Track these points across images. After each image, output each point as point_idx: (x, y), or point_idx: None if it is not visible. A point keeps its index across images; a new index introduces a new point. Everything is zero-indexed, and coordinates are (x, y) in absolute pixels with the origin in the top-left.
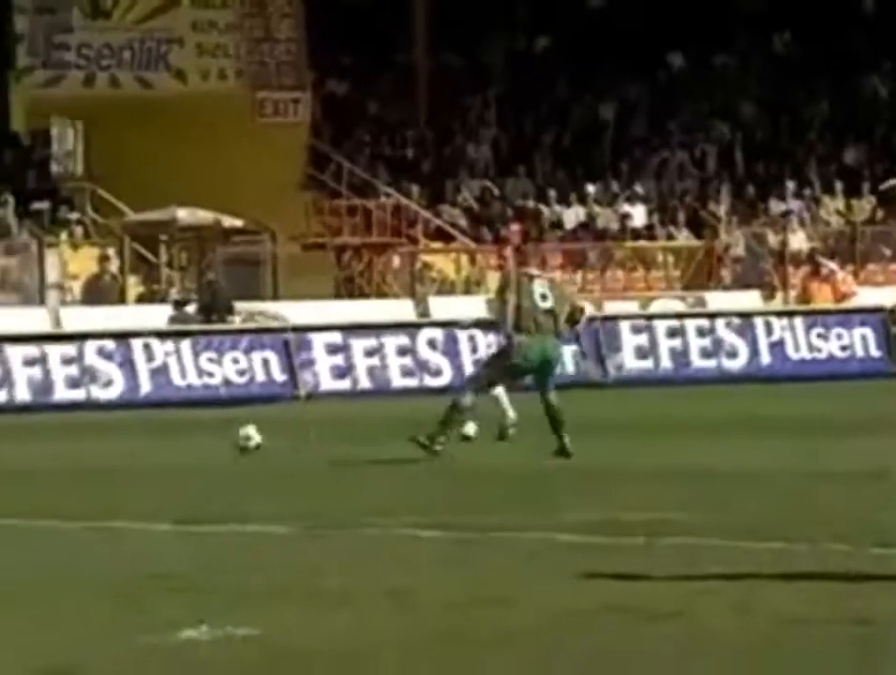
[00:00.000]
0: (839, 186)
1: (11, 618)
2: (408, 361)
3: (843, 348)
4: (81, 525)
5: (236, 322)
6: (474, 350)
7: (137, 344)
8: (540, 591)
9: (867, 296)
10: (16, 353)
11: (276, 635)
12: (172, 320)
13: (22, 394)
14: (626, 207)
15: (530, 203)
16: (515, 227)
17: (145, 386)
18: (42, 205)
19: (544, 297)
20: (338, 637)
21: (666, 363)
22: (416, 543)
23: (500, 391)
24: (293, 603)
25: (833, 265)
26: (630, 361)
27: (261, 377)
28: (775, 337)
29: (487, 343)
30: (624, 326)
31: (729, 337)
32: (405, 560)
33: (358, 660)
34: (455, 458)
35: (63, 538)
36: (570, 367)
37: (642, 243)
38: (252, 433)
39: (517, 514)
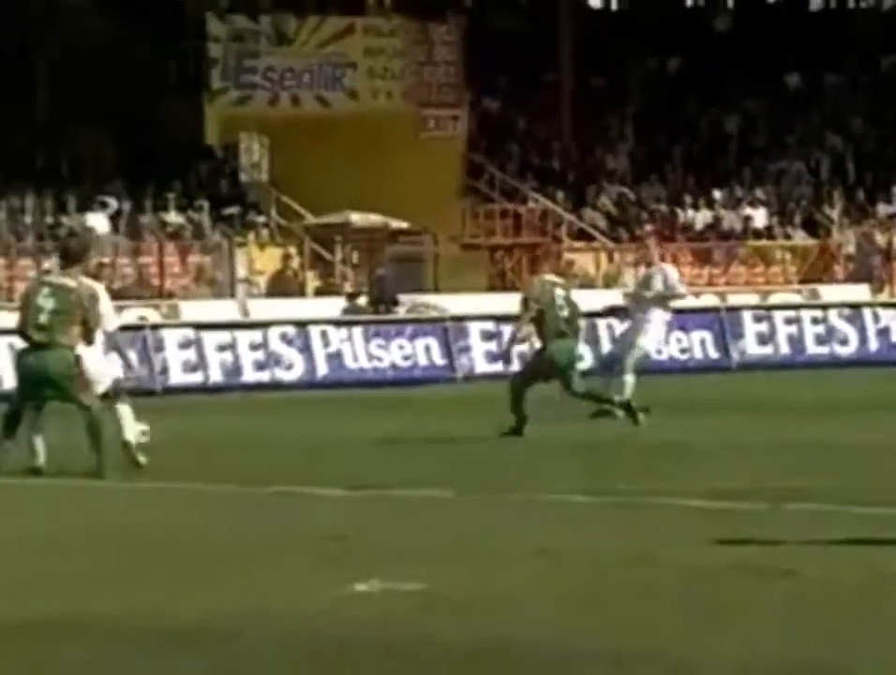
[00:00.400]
0: None
1: (214, 570)
2: None
3: None
4: (271, 490)
5: (402, 312)
6: (612, 338)
7: (315, 331)
8: (674, 551)
9: None
10: (210, 340)
11: (438, 589)
12: (346, 310)
13: (216, 375)
14: (748, 210)
15: (663, 207)
16: (648, 228)
17: (322, 369)
18: (233, 210)
19: (560, 307)
20: (493, 592)
21: (784, 348)
22: (562, 507)
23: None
24: (453, 560)
25: None
26: (751, 347)
27: (423, 361)
28: (882, 326)
29: (622, 330)
30: (746, 316)
31: (841, 326)
32: (552, 522)
33: (511, 612)
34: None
35: (255, 502)
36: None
37: (763, 242)
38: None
39: (654, 482)
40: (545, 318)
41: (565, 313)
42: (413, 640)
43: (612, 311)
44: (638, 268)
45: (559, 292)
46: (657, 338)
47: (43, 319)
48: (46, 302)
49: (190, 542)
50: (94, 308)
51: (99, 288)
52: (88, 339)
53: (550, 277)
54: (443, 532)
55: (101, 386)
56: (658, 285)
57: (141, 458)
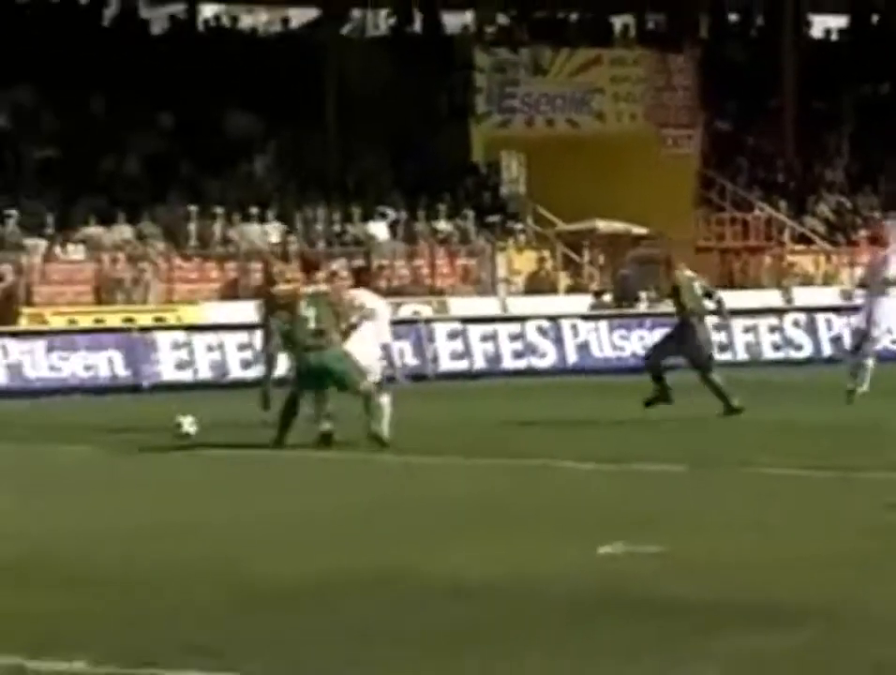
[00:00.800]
0: None
1: (480, 533)
2: (777, 337)
3: None
4: (530, 463)
5: (642, 307)
6: (829, 328)
7: (566, 324)
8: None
9: None
10: (475, 332)
11: (674, 552)
12: (593, 306)
13: (479, 363)
14: None
15: (876, 214)
16: (863, 232)
17: (572, 357)
18: (495, 218)
19: (701, 297)
20: (722, 556)
21: None
22: (785, 481)
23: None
24: (687, 527)
25: None
26: None
27: None
28: None
29: (845, 323)
30: None
31: None
32: (775, 494)
33: (737, 574)
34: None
35: (516, 474)
36: None
37: None
38: (184, 423)
39: (872, 457)
40: (688, 306)
41: (705, 302)
42: (654, 597)
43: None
44: (855, 268)
45: (697, 284)
46: (887, 325)
47: (312, 325)
48: (308, 311)
49: (461, 509)
50: (345, 305)
51: (369, 301)
52: (348, 330)
53: (689, 273)
54: (678, 502)
55: (373, 376)
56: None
57: (385, 439)
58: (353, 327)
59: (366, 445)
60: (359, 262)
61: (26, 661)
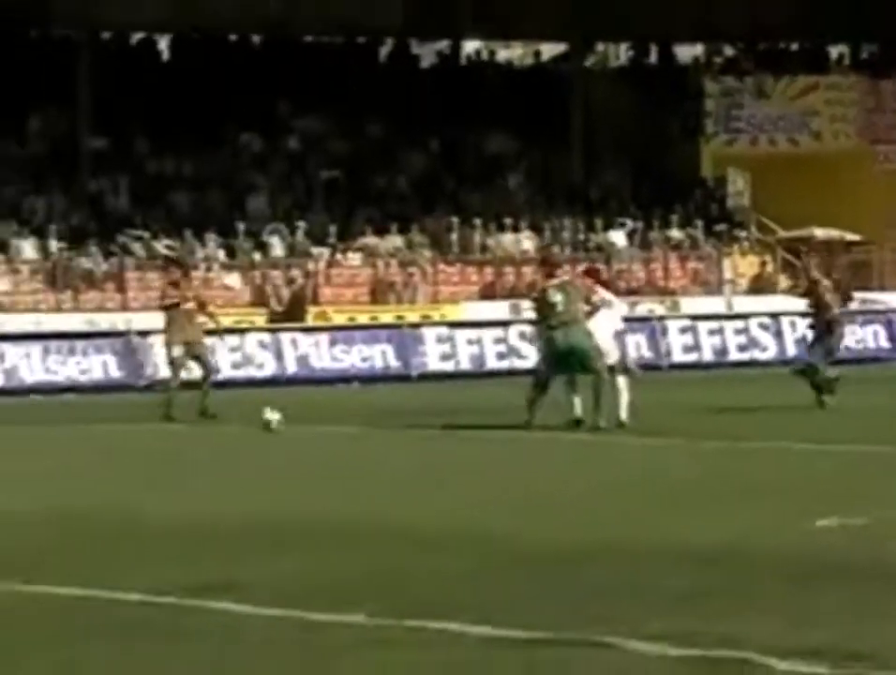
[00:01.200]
0: None
1: (697, 507)
2: None
3: None
4: (749, 445)
5: (855, 305)
6: None
7: (785, 321)
8: None
9: None
10: (704, 327)
11: (881, 524)
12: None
13: (707, 355)
14: None
15: None
16: None
17: (791, 350)
18: (721, 227)
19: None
20: None
21: None
22: None
23: None
24: (891, 502)
25: None
26: None
27: (871, 344)
28: None
29: None
30: None
31: None
32: None
33: None
34: None
35: (736, 455)
36: None
37: None
38: (270, 416)
39: None
40: (832, 308)
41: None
42: (862, 565)
43: None
44: None
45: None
46: None
47: (560, 308)
48: (556, 296)
49: (690, 486)
50: (588, 291)
51: (605, 295)
52: (590, 312)
53: (827, 282)
54: (882, 479)
55: (610, 359)
56: None
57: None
58: (594, 310)
59: (603, 433)
60: (598, 266)
61: (307, 614)
